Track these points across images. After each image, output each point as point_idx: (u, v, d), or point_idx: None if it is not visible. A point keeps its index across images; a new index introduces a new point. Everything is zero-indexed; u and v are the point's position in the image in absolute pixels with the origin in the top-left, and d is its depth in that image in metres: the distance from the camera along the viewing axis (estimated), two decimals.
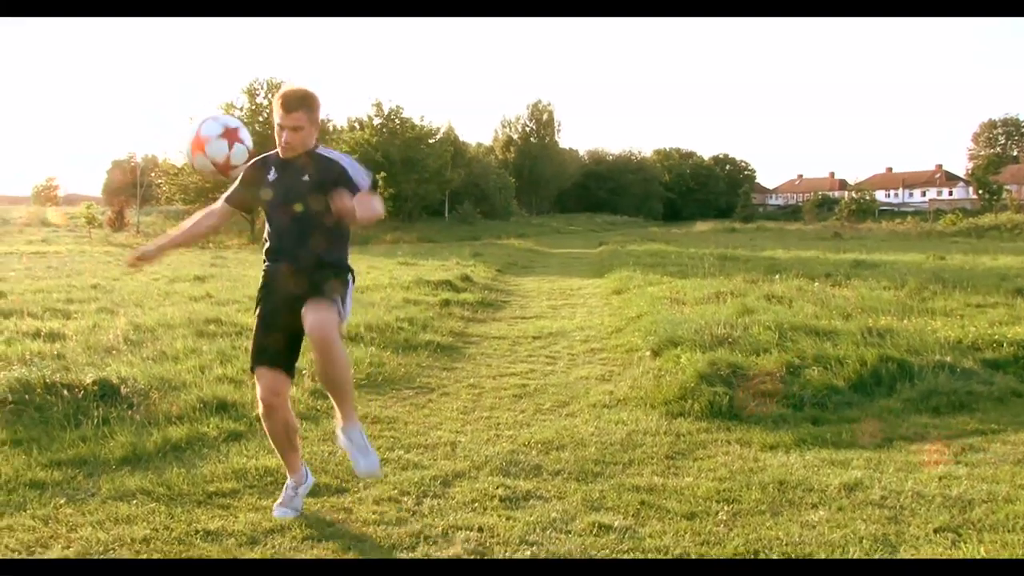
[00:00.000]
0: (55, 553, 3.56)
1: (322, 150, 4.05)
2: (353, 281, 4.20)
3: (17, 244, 27.34)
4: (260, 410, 4.07)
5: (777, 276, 13.78)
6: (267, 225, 4.15)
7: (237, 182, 4.17)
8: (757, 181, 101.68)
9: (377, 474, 4.08)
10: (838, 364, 6.87)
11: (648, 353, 8.07)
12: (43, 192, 76.44)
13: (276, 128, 3.95)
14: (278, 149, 4.03)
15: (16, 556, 3.54)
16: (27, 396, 5.50)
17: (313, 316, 3.82)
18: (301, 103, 3.92)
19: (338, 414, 4.05)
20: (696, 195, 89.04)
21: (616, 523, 3.97)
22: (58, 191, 77.21)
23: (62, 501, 4.17)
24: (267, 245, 4.14)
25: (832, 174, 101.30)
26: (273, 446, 4.22)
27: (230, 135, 4.02)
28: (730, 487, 4.48)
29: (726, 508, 4.17)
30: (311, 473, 4.33)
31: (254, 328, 4.21)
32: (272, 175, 4.06)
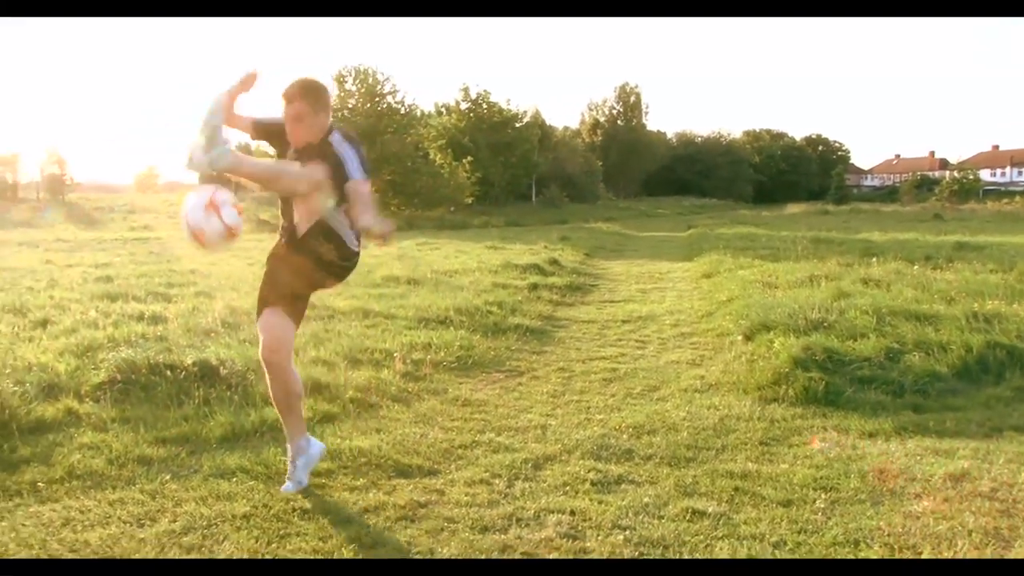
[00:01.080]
0: (163, 526, 3.69)
1: (334, 138, 4.02)
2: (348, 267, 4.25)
3: (121, 231, 28.47)
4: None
5: (874, 259, 13.37)
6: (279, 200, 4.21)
7: (270, 121, 4.17)
8: (851, 162, 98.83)
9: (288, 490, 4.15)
10: (941, 350, 6.62)
11: (740, 337, 7.93)
12: (144, 180, 79.23)
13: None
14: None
15: (126, 527, 3.68)
16: (133, 376, 5.72)
17: (267, 334, 4.08)
18: (300, 93, 3.93)
19: (285, 429, 4.30)
20: (787, 177, 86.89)
21: (710, 509, 3.91)
22: (158, 179, 79.91)
23: (167, 477, 4.32)
24: (281, 221, 4.20)
25: (932, 153, 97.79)
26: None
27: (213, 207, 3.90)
28: (827, 475, 4.36)
29: (823, 496, 4.06)
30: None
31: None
32: (291, 155, 4.10)
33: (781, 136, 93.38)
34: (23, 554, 3.42)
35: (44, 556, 3.41)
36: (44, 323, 7.89)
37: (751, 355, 7.08)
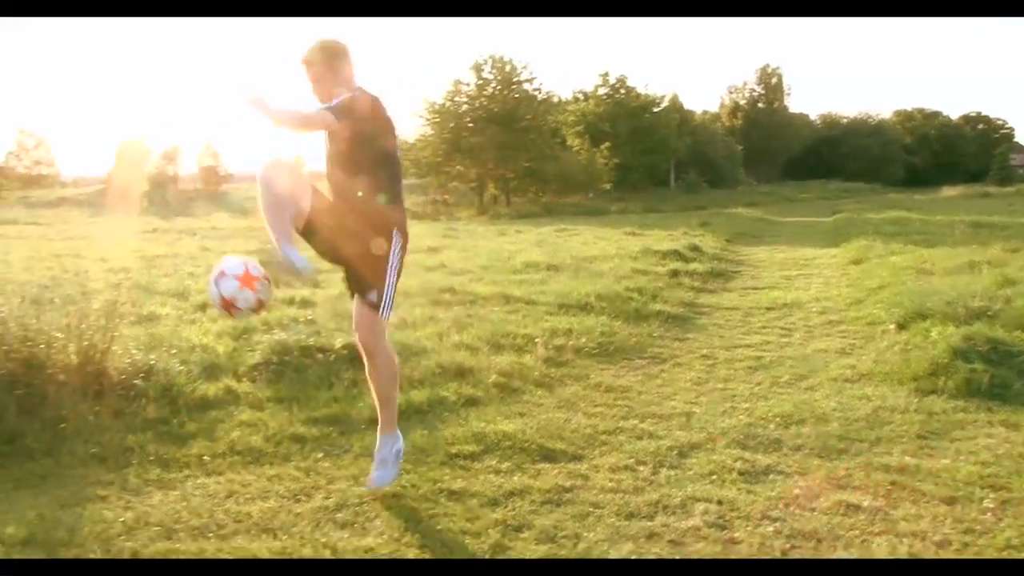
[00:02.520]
0: (317, 503, 3.83)
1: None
2: (402, 239, 4.00)
3: None
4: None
5: None
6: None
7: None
8: (1016, 140, 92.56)
9: (381, 488, 3.96)
10: None
11: (893, 326, 7.58)
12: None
13: None
14: None
15: (283, 502, 3.85)
16: (286, 358, 5.96)
17: (356, 317, 3.96)
18: (314, 55, 3.89)
19: (380, 417, 4.09)
20: (941, 158, 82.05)
21: (865, 503, 3.76)
22: (305, 169, 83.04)
23: (320, 455, 4.49)
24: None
25: None
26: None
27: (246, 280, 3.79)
28: (996, 472, 4.10)
29: (992, 495, 3.83)
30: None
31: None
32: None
33: (935, 115, 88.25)
34: (194, 522, 3.62)
35: (213, 525, 3.61)
36: (204, 307, 8.31)
37: (906, 344, 6.75)
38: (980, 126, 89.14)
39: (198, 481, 4.15)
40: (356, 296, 3.97)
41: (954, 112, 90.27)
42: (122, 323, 5.76)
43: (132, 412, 4.96)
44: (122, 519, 3.66)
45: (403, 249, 4.02)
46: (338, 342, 6.15)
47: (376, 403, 4.10)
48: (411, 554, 3.38)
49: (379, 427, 4.09)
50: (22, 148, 59.51)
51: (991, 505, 3.71)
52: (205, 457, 4.44)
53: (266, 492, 3.99)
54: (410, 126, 41.62)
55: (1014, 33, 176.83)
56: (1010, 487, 3.91)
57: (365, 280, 3.93)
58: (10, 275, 10.93)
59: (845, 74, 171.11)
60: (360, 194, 3.92)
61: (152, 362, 5.45)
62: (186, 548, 3.38)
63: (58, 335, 5.11)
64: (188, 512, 3.74)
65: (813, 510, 3.73)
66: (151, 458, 4.42)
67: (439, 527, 3.61)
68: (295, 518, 3.69)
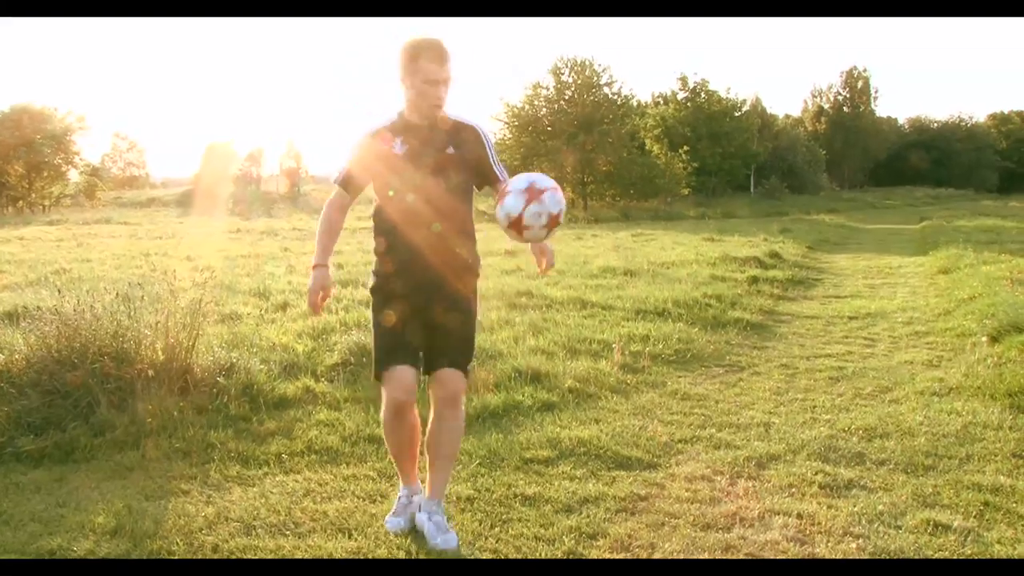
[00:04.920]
0: (392, 503, 3.86)
1: (453, 114, 3.49)
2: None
3: (349, 220, 30.11)
4: (387, 413, 3.55)
5: None
6: (387, 205, 3.51)
7: (350, 159, 3.55)
8: None
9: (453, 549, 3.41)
10: None
11: (985, 338, 7.30)
12: None
13: (422, 85, 3.33)
14: (409, 112, 3.46)
15: (359, 502, 3.89)
16: (364, 359, 6.00)
17: (449, 389, 3.50)
18: (449, 53, 3.33)
19: (428, 483, 3.61)
20: None
21: (955, 523, 3.61)
22: None
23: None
24: (389, 229, 3.52)
25: None
26: (390, 452, 3.77)
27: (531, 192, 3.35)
28: None
29: None
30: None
31: (376, 325, 3.60)
32: (399, 147, 3.43)
33: None
34: (272, 519, 3.68)
35: (290, 523, 3.66)
36: (284, 306, 8.48)
37: (999, 358, 6.50)
38: None
39: (276, 479, 4.22)
40: (445, 367, 3.50)
41: None
42: (206, 321, 5.90)
43: (214, 409, 5.08)
44: (203, 513, 3.75)
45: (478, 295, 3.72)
46: None
47: (437, 463, 3.58)
48: (485, 558, 3.37)
49: (433, 489, 3.58)
50: (116, 151, 61.94)
51: None
52: (284, 455, 4.52)
53: (342, 492, 4.04)
54: (489, 129, 41.82)
55: None
56: None
57: (465, 350, 3.56)
58: (102, 272, 11.35)
59: (937, 75, 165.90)
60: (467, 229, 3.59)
61: (234, 360, 5.57)
62: (264, 545, 3.43)
63: (146, 332, 5.26)
64: (267, 509, 3.80)
65: (899, 528, 3.61)
66: (231, 455, 4.52)
67: (513, 532, 3.59)
68: (370, 519, 3.72)
